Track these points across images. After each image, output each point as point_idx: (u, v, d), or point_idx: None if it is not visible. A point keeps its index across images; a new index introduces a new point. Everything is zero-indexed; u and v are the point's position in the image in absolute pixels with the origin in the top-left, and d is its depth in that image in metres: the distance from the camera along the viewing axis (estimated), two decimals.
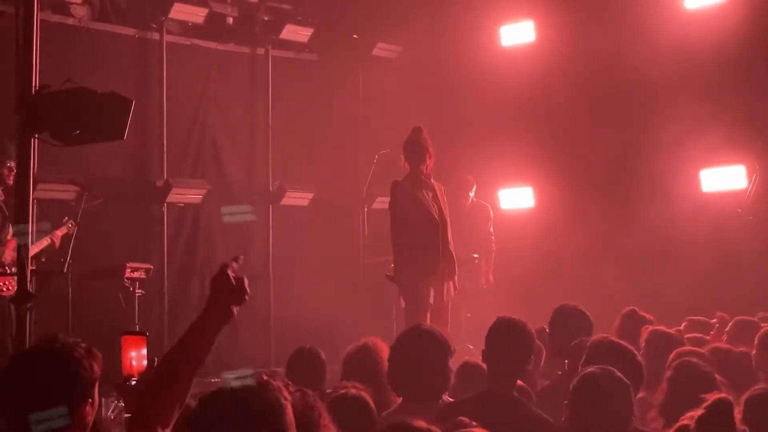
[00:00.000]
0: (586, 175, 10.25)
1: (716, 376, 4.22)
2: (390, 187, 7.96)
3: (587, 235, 9.86)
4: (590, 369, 3.68)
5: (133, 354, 3.13)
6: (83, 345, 3.08)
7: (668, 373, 4.19)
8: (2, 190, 7.75)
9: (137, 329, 3.30)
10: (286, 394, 2.40)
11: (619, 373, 3.59)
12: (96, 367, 3.04)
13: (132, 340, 3.17)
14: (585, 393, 3.57)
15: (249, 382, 2.35)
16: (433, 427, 2.93)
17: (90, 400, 3.03)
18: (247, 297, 2.78)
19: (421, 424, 2.92)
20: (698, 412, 2.99)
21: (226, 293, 2.74)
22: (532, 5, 10.95)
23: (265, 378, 2.42)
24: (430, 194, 7.85)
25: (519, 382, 4.45)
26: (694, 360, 4.33)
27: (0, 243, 7.59)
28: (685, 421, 3.18)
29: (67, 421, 2.89)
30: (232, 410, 2.32)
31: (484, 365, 4.46)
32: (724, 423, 2.84)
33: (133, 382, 3.08)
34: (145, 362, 3.13)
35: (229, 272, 2.75)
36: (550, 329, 5.57)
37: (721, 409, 2.84)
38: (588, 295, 7.59)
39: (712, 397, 3.05)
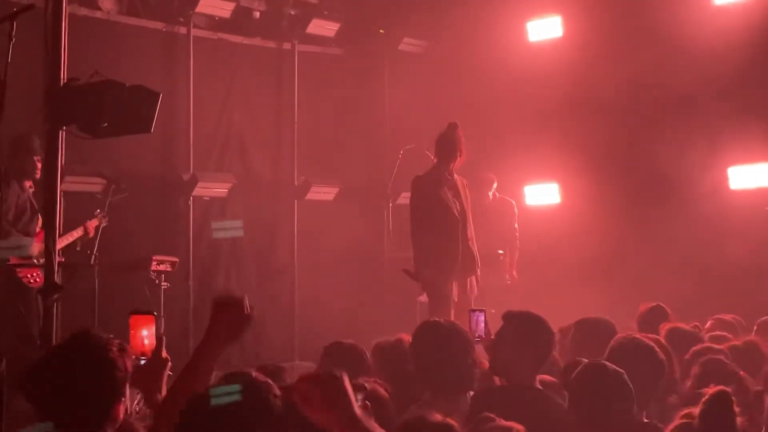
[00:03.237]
0: (613, 171, 10.18)
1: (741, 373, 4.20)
2: (411, 183, 7.95)
3: (613, 232, 9.79)
4: (586, 364, 3.77)
5: (145, 333, 3.13)
6: (116, 342, 3.05)
7: (695, 369, 4.17)
8: (32, 183, 7.81)
9: (151, 311, 3.25)
10: (276, 391, 2.39)
11: (616, 368, 3.65)
12: (129, 365, 3.02)
13: (141, 320, 3.18)
14: (579, 387, 3.67)
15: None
16: (449, 420, 2.92)
17: (123, 398, 3.02)
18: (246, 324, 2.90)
19: (436, 417, 2.91)
20: (699, 407, 3.01)
21: (232, 318, 2.89)
22: (560, 0, 10.89)
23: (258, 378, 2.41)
24: (452, 191, 7.83)
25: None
26: (721, 357, 4.31)
27: (29, 235, 7.65)
28: (685, 420, 3.17)
29: None
30: (221, 414, 2.31)
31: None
32: (725, 415, 2.87)
33: (143, 361, 3.08)
34: (154, 341, 3.13)
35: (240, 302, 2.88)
36: (572, 339, 5.45)
37: (722, 400, 2.88)
38: (614, 292, 7.57)
39: (710, 391, 3.07)
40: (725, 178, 9.38)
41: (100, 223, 8.26)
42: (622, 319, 5.57)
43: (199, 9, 10.15)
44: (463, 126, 8.06)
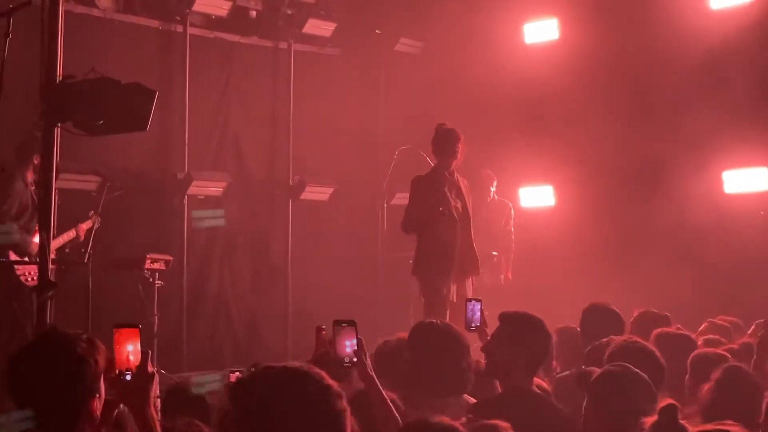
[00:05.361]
0: (608, 174, 10.20)
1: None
2: (411, 182, 7.93)
3: (607, 235, 9.81)
4: (609, 367, 3.70)
5: (130, 348, 3.05)
6: (85, 338, 3.03)
7: (716, 375, 4.16)
8: (33, 180, 7.80)
9: (136, 322, 3.16)
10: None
11: (638, 371, 3.60)
12: (100, 360, 2.99)
13: (126, 333, 3.06)
14: (604, 390, 3.60)
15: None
16: (453, 422, 2.92)
17: (97, 394, 3.00)
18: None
19: (440, 418, 2.91)
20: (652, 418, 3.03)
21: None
22: (557, 3, 10.90)
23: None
24: (454, 191, 7.82)
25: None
26: (744, 366, 4.31)
27: (29, 232, 7.63)
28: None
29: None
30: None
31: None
32: (671, 426, 2.90)
33: (128, 377, 3.00)
34: (139, 356, 3.04)
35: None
36: (582, 329, 5.53)
37: (669, 413, 2.90)
38: (607, 294, 7.54)
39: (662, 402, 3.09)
40: (720, 182, 9.39)
41: (94, 225, 8.26)
42: None
43: (195, 7, 10.15)
44: (458, 127, 8.06)
